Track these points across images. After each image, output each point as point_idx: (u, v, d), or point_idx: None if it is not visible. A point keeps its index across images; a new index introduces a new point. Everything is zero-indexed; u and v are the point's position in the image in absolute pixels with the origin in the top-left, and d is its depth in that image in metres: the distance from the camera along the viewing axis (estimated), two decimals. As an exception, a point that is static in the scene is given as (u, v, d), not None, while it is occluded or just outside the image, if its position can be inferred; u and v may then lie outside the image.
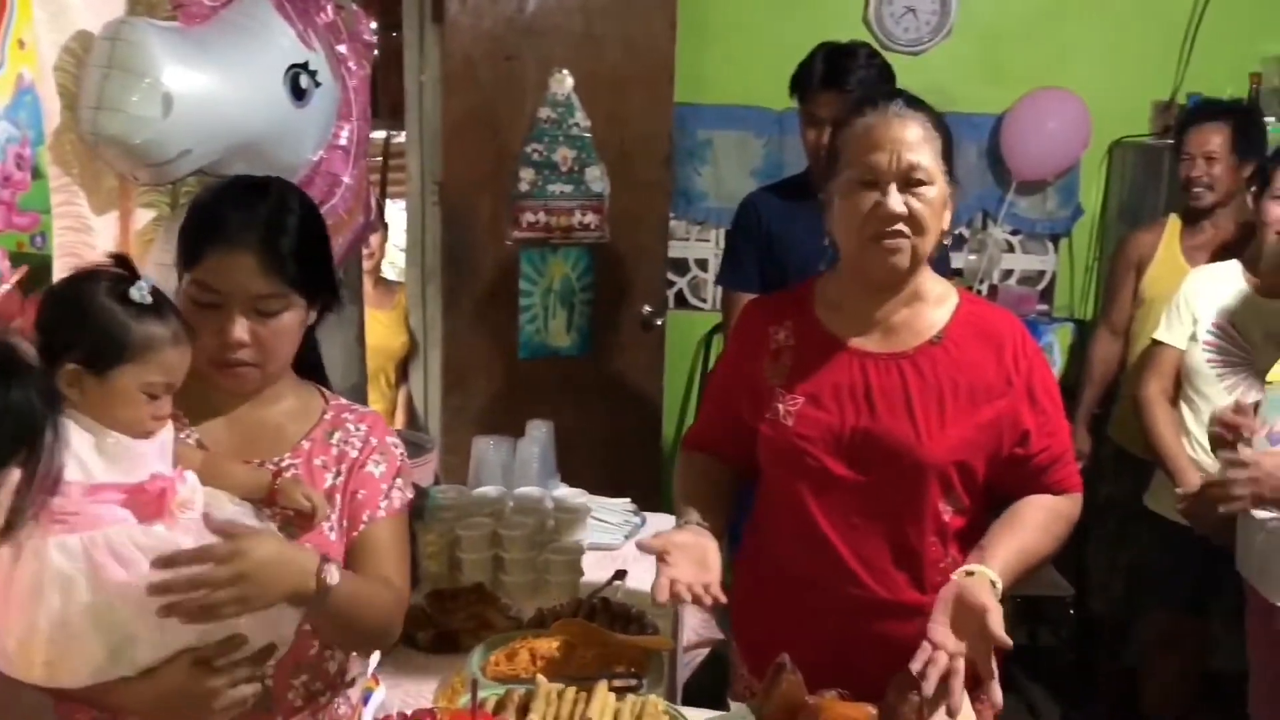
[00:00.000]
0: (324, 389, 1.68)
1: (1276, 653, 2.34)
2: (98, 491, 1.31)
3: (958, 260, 4.09)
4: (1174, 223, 3.31)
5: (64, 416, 1.26)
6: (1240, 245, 3.05)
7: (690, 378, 4.22)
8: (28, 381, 1.11)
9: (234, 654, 1.36)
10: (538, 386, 3.62)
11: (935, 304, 1.82)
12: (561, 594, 2.32)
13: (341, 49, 2.22)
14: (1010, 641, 1.57)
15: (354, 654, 1.66)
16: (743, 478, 1.97)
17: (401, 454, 1.65)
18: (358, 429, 1.62)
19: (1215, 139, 3.14)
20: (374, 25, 2.42)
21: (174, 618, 1.29)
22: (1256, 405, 2.22)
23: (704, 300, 4.28)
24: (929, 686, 1.56)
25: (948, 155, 1.75)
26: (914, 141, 1.70)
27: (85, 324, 1.33)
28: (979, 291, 4.07)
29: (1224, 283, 2.85)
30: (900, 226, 1.69)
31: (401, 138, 4.11)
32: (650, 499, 3.10)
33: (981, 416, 1.77)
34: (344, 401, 1.67)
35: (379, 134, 4.54)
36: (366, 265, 3.88)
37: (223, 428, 1.56)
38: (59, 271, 1.68)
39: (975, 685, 1.61)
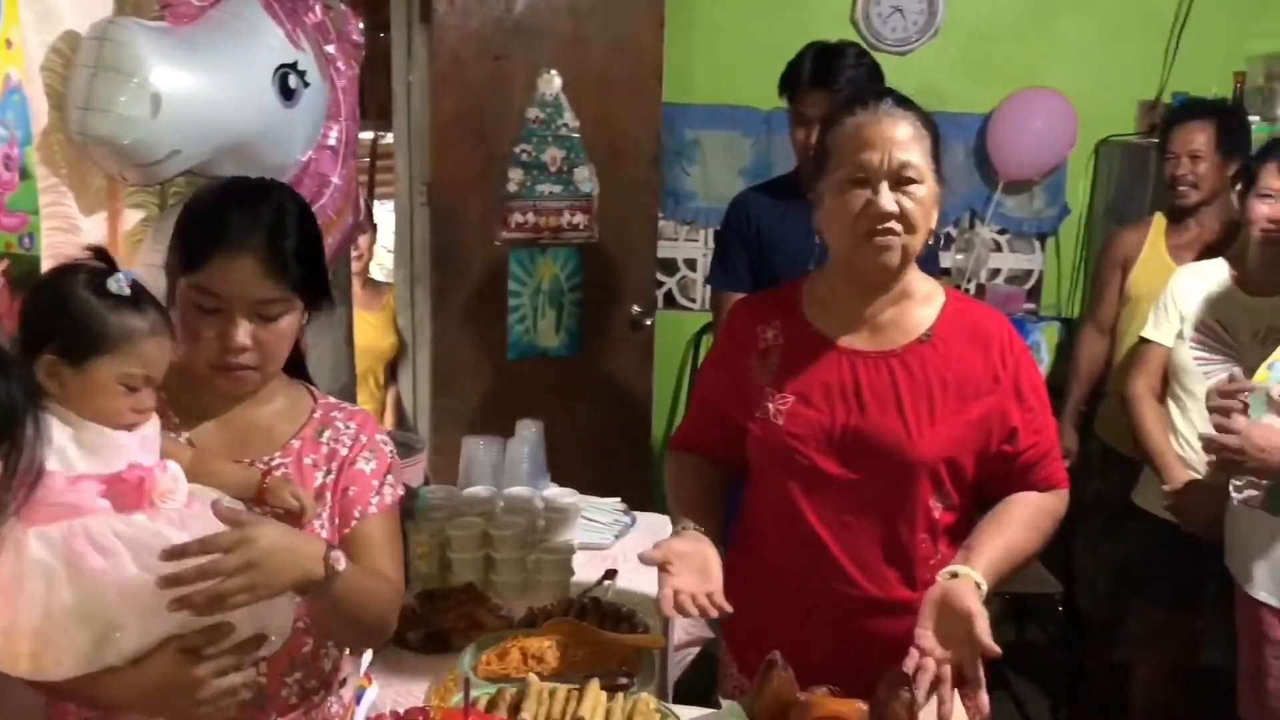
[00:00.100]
0: (312, 388, 1.68)
1: (1265, 648, 2.36)
2: (76, 482, 1.31)
3: (945, 260, 4.10)
4: (1159, 221, 3.32)
5: (45, 410, 1.26)
6: (1225, 243, 3.07)
7: (679, 377, 4.23)
8: (8, 375, 1.11)
9: (221, 642, 1.34)
10: (527, 387, 3.62)
11: (923, 302, 1.83)
12: (552, 593, 2.32)
13: (330, 49, 2.22)
14: (998, 650, 1.57)
15: (347, 652, 1.66)
16: (732, 477, 1.98)
17: (391, 451, 1.66)
18: (347, 427, 1.62)
19: (1199, 138, 3.16)
20: (361, 26, 2.41)
21: (161, 606, 1.28)
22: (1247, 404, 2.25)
23: (693, 300, 4.28)
24: (920, 694, 1.57)
25: (936, 154, 1.76)
26: (905, 140, 1.71)
27: (63, 315, 1.33)
28: (966, 290, 4.08)
29: (1210, 281, 2.86)
30: (891, 225, 1.70)
31: (389, 138, 4.11)
32: (640, 498, 3.10)
33: (970, 414, 1.78)
34: (333, 400, 1.68)
35: (366, 135, 4.53)
36: (355, 266, 3.87)
37: (214, 429, 1.57)
38: (47, 273, 1.68)
39: (963, 683, 1.61)
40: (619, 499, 2.90)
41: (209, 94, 1.86)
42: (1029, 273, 4.30)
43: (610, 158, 3.65)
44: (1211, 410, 2.26)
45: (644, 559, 1.75)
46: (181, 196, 1.98)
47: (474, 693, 1.65)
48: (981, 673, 1.59)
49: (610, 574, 2.43)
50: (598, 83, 3.59)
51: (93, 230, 1.84)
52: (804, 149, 2.70)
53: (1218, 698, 2.77)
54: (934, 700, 1.58)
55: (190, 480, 1.41)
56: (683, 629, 2.50)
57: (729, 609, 1.67)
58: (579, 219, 3.66)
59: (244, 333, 1.47)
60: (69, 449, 1.32)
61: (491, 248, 3.60)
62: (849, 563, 1.80)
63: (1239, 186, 2.96)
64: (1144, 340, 2.96)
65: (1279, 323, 2.62)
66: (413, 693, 1.92)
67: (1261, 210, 2.70)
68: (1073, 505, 1.94)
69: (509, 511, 2.56)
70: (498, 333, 3.66)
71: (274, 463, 1.56)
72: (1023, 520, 1.81)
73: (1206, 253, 3.11)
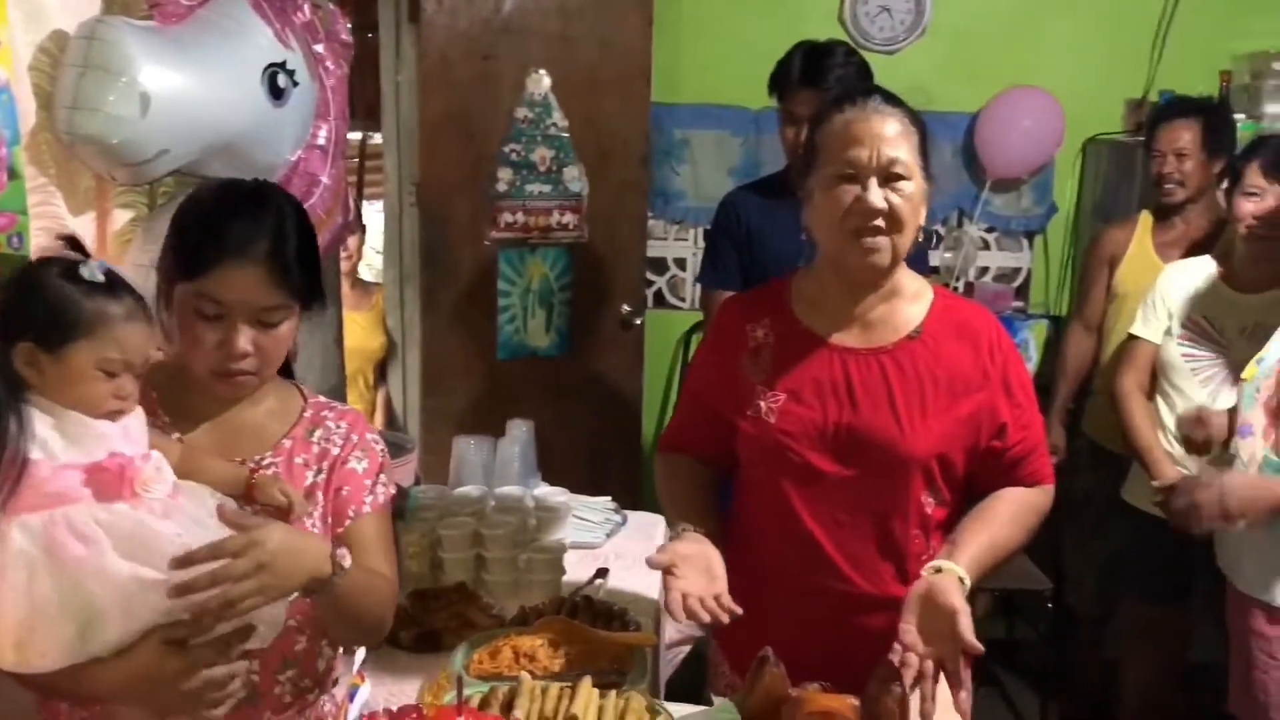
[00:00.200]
0: (302, 387, 1.68)
1: (1254, 643, 2.37)
2: (59, 471, 1.31)
3: (933, 258, 4.11)
4: (1146, 219, 3.34)
5: (27, 404, 1.26)
6: (1211, 240, 3.09)
7: (670, 377, 4.23)
8: None
9: (204, 632, 1.33)
10: (517, 387, 3.62)
11: (911, 299, 1.84)
12: (543, 592, 2.32)
13: (319, 48, 2.21)
14: (981, 647, 1.58)
15: (340, 651, 1.66)
16: (722, 476, 1.98)
17: (382, 450, 1.66)
18: (338, 426, 1.62)
19: (1185, 135, 3.17)
20: (349, 25, 2.41)
21: (143, 595, 1.28)
22: (1233, 412, 2.26)
23: (683, 299, 4.29)
24: (906, 690, 1.57)
25: (924, 151, 1.76)
26: (893, 137, 1.71)
27: (37, 303, 1.33)
28: (955, 289, 4.09)
29: (1197, 278, 2.88)
30: (879, 222, 1.71)
31: (377, 139, 4.10)
32: (631, 497, 3.11)
33: (961, 410, 1.78)
34: (323, 399, 1.68)
35: (355, 135, 4.52)
36: (344, 267, 3.87)
37: (205, 429, 1.56)
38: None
39: (946, 678, 1.62)
40: (610, 498, 2.90)
41: (198, 93, 1.86)
42: (1017, 271, 4.31)
43: (599, 157, 3.65)
44: (1186, 445, 2.29)
45: (650, 563, 1.75)
46: (170, 196, 1.98)
47: (466, 691, 1.65)
48: (963, 670, 1.59)
49: (601, 573, 2.43)
50: (586, 82, 3.59)
51: (82, 230, 1.83)
52: (793, 148, 2.71)
53: (1207, 694, 2.78)
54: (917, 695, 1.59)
55: (179, 477, 1.40)
56: (674, 627, 2.50)
57: (738, 610, 1.66)
58: (568, 219, 3.66)
59: (246, 339, 1.47)
60: (51, 439, 1.32)
61: (481, 247, 3.59)
62: (842, 559, 1.80)
63: (1224, 184, 2.98)
64: (1132, 337, 2.98)
65: (1266, 318, 2.63)
66: (405, 692, 1.92)
67: (1246, 208, 2.72)
68: (1061, 503, 1.94)
69: (500, 511, 2.56)
70: (488, 332, 3.66)
71: (265, 462, 1.56)
72: (1007, 516, 1.82)
73: (1193, 250, 3.13)
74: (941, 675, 1.60)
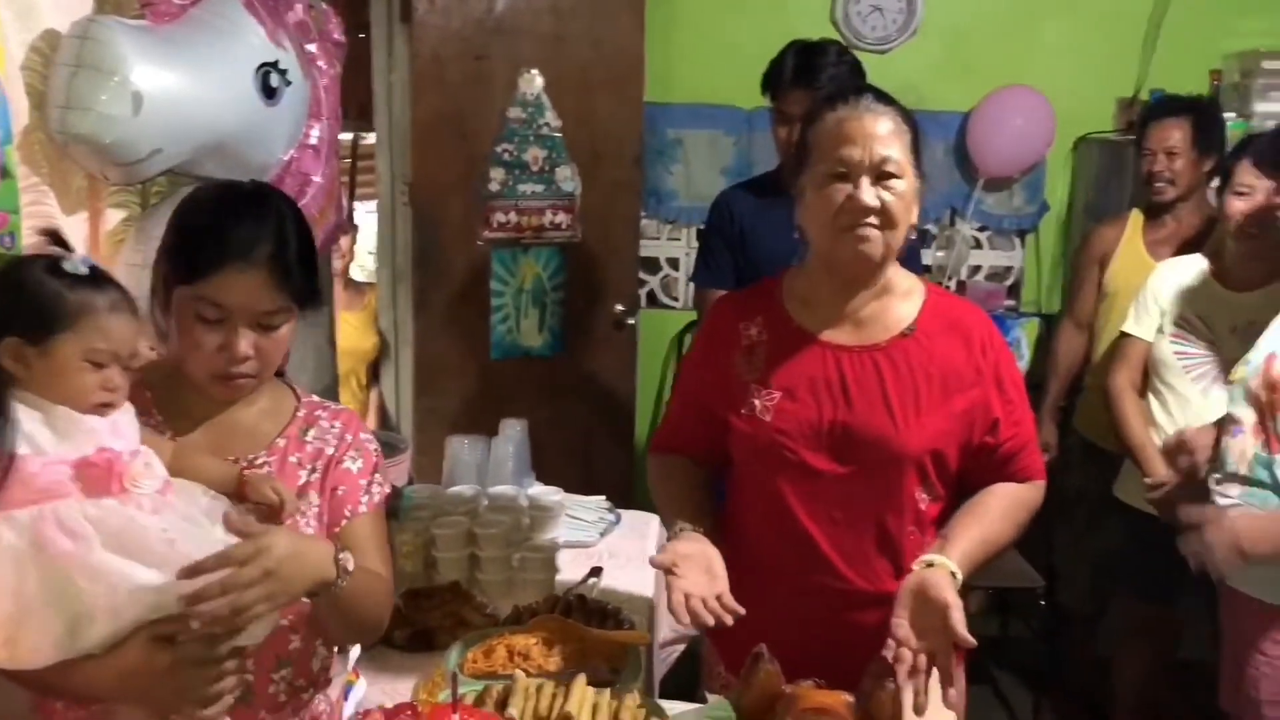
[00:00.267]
0: (295, 387, 1.67)
1: (1246, 640, 2.38)
2: (46, 466, 1.31)
3: (925, 257, 4.12)
4: (1136, 217, 3.35)
5: (13, 398, 1.26)
6: (1202, 238, 3.10)
7: (663, 376, 4.23)
8: None
9: (192, 628, 1.32)
10: (510, 386, 3.63)
11: (903, 297, 1.84)
12: (537, 591, 2.32)
13: (311, 48, 2.21)
14: (972, 641, 1.59)
15: (336, 650, 1.66)
16: (715, 476, 1.98)
17: (376, 449, 1.66)
18: (333, 426, 1.62)
19: (1175, 134, 3.18)
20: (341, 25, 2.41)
21: (130, 590, 1.28)
22: (1218, 423, 2.27)
23: (676, 299, 4.29)
24: (900, 684, 1.58)
25: (916, 150, 1.77)
26: (885, 135, 1.72)
27: (21, 298, 1.33)
28: (947, 287, 4.10)
29: (1189, 276, 2.89)
30: (871, 219, 1.71)
31: (370, 139, 4.10)
32: (624, 496, 3.10)
33: (955, 406, 1.79)
34: (316, 399, 1.67)
35: (347, 135, 4.52)
36: (336, 267, 3.87)
37: (200, 429, 1.56)
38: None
39: (940, 669, 1.62)
40: (603, 497, 2.91)
41: (190, 92, 1.85)
42: (1009, 269, 4.32)
43: (592, 157, 3.65)
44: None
45: (653, 563, 1.75)
46: (163, 196, 1.97)
47: (461, 689, 1.65)
48: (955, 666, 1.60)
49: (595, 571, 2.43)
50: (579, 82, 3.59)
51: (74, 230, 1.83)
52: (786, 147, 2.71)
53: (1199, 691, 2.79)
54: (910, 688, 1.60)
55: (170, 474, 1.40)
56: (668, 626, 2.51)
57: (741, 610, 1.66)
58: (561, 218, 3.66)
59: (247, 343, 1.47)
60: (39, 434, 1.32)
61: (474, 247, 3.60)
62: (838, 557, 1.81)
63: (1215, 182, 2.99)
64: (1124, 335, 2.99)
65: (1257, 316, 2.63)
66: (399, 691, 1.92)
67: (1237, 206, 2.73)
68: (1053, 500, 1.95)
69: (494, 510, 2.56)
70: (480, 332, 3.66)
71: (259, 461, 1.56)
72: (999, 511, 1.82)
73: (1184, 248, 3.14)
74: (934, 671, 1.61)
